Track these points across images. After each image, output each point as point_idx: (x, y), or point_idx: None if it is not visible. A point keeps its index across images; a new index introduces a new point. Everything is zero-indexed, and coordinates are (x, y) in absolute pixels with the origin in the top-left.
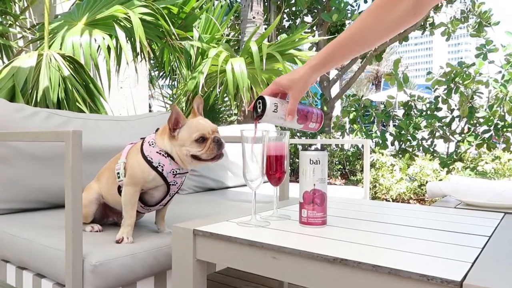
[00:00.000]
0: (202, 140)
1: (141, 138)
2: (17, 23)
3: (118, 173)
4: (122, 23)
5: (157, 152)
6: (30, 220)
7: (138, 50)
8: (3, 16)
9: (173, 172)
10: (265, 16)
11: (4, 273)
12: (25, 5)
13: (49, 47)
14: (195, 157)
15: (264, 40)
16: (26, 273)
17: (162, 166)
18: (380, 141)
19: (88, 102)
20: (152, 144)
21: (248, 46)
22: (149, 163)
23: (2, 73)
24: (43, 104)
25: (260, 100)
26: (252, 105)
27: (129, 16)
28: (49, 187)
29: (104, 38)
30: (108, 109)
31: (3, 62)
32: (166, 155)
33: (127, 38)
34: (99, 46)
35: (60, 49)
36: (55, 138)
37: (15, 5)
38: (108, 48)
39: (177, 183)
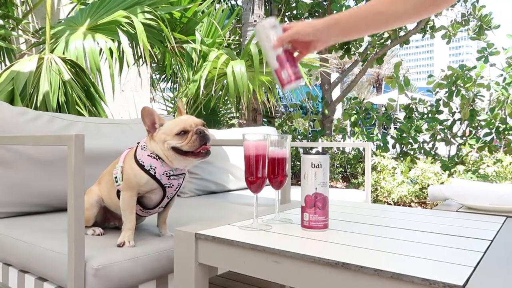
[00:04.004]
0: (183, 133)
1: (138, 143)
2: (19, 26)
3: (116, 177)
4: (125, 28)
5: (148, 155)
6: (32, 224)
7: (140, 54)
8: (5, 20)
9: (167, 174)
10: None
11: (6, 276)
12: (27, 9)
13: (51, 51)
14: (176, 150)
15: None
16: (28, 277)
17: (154, 169)
18: (381, 144)
19: (88, 106)
20: (144, 147)
21: (248, 48)
22: (141, 167)
23: (2, 77)
24: (43, 108)
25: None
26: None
27: (132, 21)
28: (51, 191)
29: (106, 42)
30: (109, 112)
31: (5, 65)
32: (157, 158)
33: (129, 43)
34: (101, 50)
35: (63, 53)
36: (58, 142)
37: (17, 9)
38: (110, 51)
39: (173, 185)
